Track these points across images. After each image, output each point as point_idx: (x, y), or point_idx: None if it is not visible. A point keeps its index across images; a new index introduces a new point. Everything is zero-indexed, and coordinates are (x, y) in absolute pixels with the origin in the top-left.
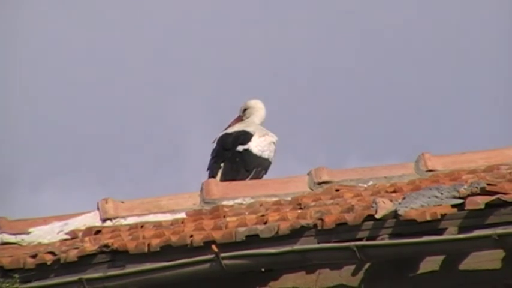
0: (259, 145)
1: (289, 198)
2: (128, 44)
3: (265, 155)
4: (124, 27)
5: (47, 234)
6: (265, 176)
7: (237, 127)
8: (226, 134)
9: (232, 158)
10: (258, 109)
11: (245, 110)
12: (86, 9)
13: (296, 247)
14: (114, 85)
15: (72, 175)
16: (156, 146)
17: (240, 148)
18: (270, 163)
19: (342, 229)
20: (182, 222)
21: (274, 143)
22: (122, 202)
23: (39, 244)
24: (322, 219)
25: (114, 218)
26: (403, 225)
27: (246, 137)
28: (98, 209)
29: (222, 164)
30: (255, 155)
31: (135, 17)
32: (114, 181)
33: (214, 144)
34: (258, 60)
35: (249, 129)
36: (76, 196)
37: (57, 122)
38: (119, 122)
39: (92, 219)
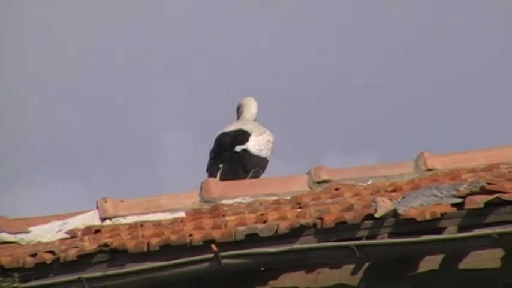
0: (257, 144)
1: (289, 197)
2: (109, 42)
3: (263, 154)
4: (104, 24)
5: (47, 233)
6: (263, 175)
7: (234, 126)
8: (224, 134)
9: (231, 159)
10: (248, 105)
11: (239, 108)
12: (65, 6)
13: (295, 246)
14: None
15: (48, 171)
16: (132, 145)
17: (238, 148)
18: (267, 162)
19: (341, 228)
20: (181, 221)
21: (271, 141)
22: (121, 201)
23: (39, 243)
24: (321, 218)
25: (114, 217)
26: (403, 225)
27: (243, 136)
28: (97, 208)
29: (220, 165)
30: (253, 155)
31: (115, 14)
32: (89, 180)
33: (212, 144)
34: (239, 60)
35: (246, 128)
36: (51, 193)
37: (36, 117)
38: (96, 121)
39: (91, 218)
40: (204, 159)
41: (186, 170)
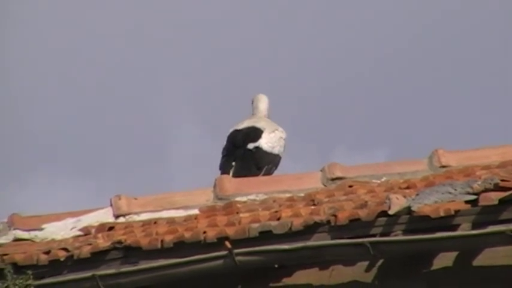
0: (269, 141)
1: (303, 194)
2: (118, 36)
3: (276, 151)
4: (106, 22)
5: (60, 231)
6: (275, 172)
7: (247, 123)
8: (236, 131)
9: (244, 156)
10: (259, 101)
11: (252, 104)
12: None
13: (309, 243)
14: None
15: (53, 169)
16: (141, 143)
17: (251, 146)
18: (280, 158)
19: (355, 225)
20: (195, 218)
21: (283, 138)
22: (135, 198)
23: (52, 240)
24: (335, 215)
25: (127, 214)
26: (417, 221)
27: (256, 133)
28: (111, 205)
29: (233, 163)
30: (266, 152)
31: (118, 11)
32: (99, 177)
33: (225, 142)
34: (245, 58)
35: (258, 125)
36: (63, 190)
37: (38, 117)
38: (104, 119)
39: (105, 216)
40: (215, 155)
41: (196, 166)
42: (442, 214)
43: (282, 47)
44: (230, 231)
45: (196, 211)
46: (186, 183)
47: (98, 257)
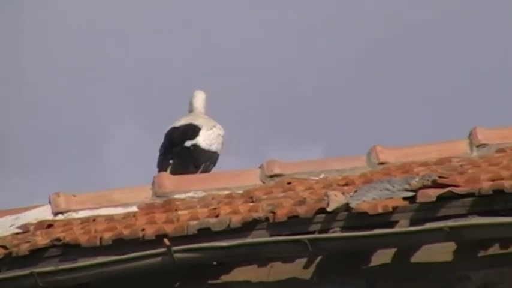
0: (207, 139)
1: (241, 192)
2: (48, 39)
3: (214, 148)
4: (41, 21)
5: None
6: (213, 169)
7: (184, 120)
8: (174, 128)
9: (181, 154)
10: (197, 98)
11: (190, 100)
12: None
13: (248, 240)
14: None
15: None
16: (76, 141)
17: (189, 143)
18: (218, 156)
19: (293, 222)
20: (134, 216)
21: (221, 135)
22: (74, 196)
23: None
24: (274, 212)
25: (66, 212)
26: (355, 218)
27: (193, 131)
28: (49, 202)
29: (171, 161)
30: (203, 150)
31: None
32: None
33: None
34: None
35: (196, 122)
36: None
37: None
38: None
39: (44, 213)
40: (154, 153)
41: (134, 164)
42: (380, 211)
43: (218, 42)
44: (169, 229)
45: (135, 208)
46: (124, 181)
47: (37, 255)
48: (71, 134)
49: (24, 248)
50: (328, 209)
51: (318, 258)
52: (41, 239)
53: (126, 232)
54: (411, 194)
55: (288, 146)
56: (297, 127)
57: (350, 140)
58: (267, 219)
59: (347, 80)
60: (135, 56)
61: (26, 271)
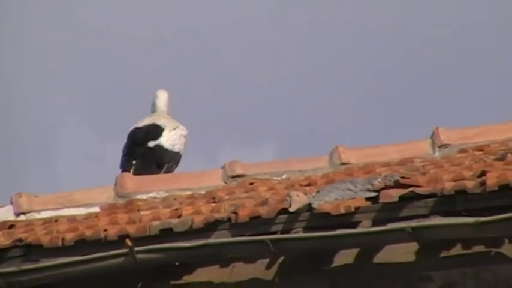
0: (170, 139)
1: (203, 192)
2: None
3: (176, 148)
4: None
5: None
6: (176, 170)
7: (147, 120)
8: (137, 129)
9: (144, 154)
10: (159, 98)
11: (152, 100)
12: None
13: (210, 241)
14: None
15: None
16: (25, 144)
17: (152, 144)
18: (180, 156)
19: (256, 223)
20: (96, 216)
21: (184, 136)
22: (36, 196)
23: None
24: (236, 213)
25: (28, 212)
26: (317, 219)
27: (156, 131)
28: (11, 203)
29: (134, 161)
30: (166, 150)
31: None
32: None
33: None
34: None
35: (159, 122)
36: None
37: None
38: None
39: (6, 214)
40: (109, 153)
41: (90, 165)
42: (342, 211)
43: (173, 43)
44: (131, 229)
45: (97, 209)
46: (81, 182)
47: None
48: (24, 136)
49: None
50: (291, 210)
51: (280, 259)
52: (3, 240)
53: (88, 233)
54: (373, 194)
55: (239, 146)
56: (247, 128)
57: (308, 140)
58: (229, 219)
59: (302, 80)
60: (89, 56)
61: None
